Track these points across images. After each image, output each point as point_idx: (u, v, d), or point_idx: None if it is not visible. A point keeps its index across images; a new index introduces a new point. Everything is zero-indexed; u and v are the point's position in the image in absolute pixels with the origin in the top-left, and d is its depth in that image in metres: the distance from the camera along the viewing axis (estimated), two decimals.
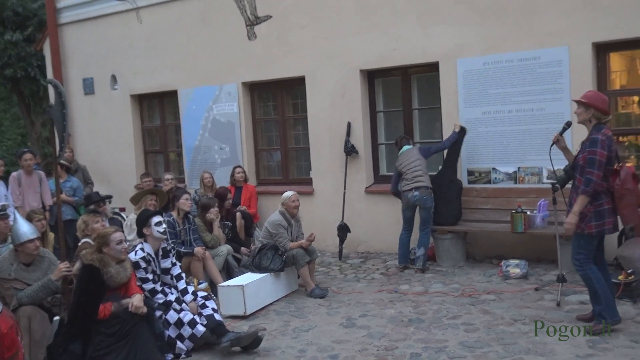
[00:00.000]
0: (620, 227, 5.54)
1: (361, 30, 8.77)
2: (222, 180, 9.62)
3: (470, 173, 8.17)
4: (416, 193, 7.62)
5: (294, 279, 7.33)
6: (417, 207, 7.74)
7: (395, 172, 8.01)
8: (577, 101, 5.21)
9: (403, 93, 8.85)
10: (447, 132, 8.13)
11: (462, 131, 7.92)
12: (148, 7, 10.79)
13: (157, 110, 11.43)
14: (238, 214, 8.53)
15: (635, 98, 7.72)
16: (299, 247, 7.08)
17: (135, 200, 7.90)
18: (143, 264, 5.53)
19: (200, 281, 6.87)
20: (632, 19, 6.98)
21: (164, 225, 5.82)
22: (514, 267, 7.09)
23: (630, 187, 5.00)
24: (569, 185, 5.48)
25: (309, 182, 9.58)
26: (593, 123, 5.09)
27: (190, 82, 10.46)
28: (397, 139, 8.10)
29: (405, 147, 7.89)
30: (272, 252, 7.03)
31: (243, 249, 7.96)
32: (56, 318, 5.18)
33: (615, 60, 7.61)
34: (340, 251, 8.78)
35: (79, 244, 6.21)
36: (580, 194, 4.99)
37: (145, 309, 5.14)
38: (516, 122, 7.77)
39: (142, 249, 5.62)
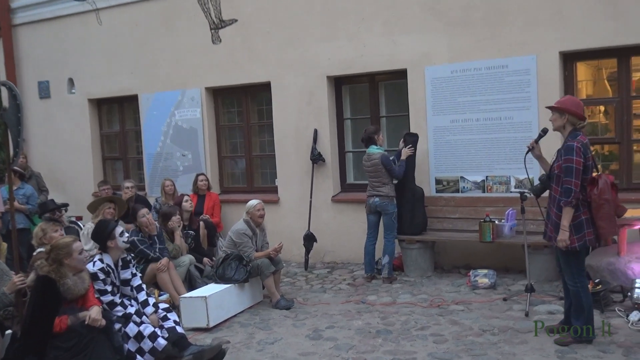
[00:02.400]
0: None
1: (328, 36, 8.80)
2: (185, 188, 9.52)
3: (438, 182, 8.25)
4: (376, 199, 7.69)
5: (259, 289, 7.27)
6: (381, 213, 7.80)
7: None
8: (551, 107, 5.20)
9: (371, 100, 8.90)
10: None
11: (414, 136, 7.98)
12: (108, 9, 10.64)
13: (117, 116, 11.27)
14: (201, 223, 8.44)
15: (602, 108, 7.91)
16: (265, 257, 7.04)
17: (92, 208, 7.75)
18: (102, 276, 5.41)
19: (162, 292, 6.80)
20: (598, 29, 7.16)
21: (127, 234, 5.72)
22: (483, 277, 7.17)
23: (608, 197, 4.92)
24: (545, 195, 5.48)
25: (274, 190, 9.55)
26: (568, 130, 5.05)
27: (152, 87, 10.35)
28: (363, 135, 7.94)
29: (370, 150, 7.85)
30: (236, 262, 6.97)
31: (206, 259, 7.87)
32: (8, 332, 5.03)
33: (582, 70, 7.79)
34: (307, 261, 8.75)
35: (34, 253, 6.05)
36: (564, 205, 4.91)
37: (103, 322, 5.03)
38: (484, 130, 7.88)
39: (101, 260, 5.51)
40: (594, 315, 5.23)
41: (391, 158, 7.85)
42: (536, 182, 5.66)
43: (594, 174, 5.07)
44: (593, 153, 7.67)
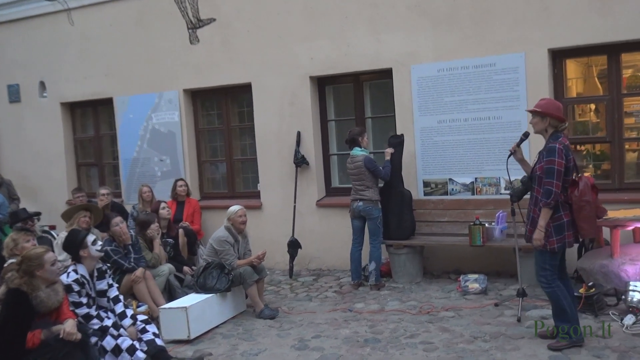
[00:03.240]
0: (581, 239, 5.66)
1: (310, 35, 8.80)
2: (163, 194, 9.47)
3: (426, 184, 8.27)
4: (360, 203, 7.70)
5: (242, 299, 7.24)
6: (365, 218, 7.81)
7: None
8: (531, 111, 5.32)
9: (355, 101, 8.92)
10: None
11: (399, 138, 8.01)
12: (80, 8, 10.57)
13: (91, 120, 11.19)
14: (180, 231, 8.40)
15: (592, 106, 7.97)
16: (248, 265, 7.01)
17: (66, 216, 7.69)
18: (76, 287, 5.36)
19: (140, 303, 6.75)
20: (588, 26, 7.23)
21: (100, 242, 5.67)
22: (473, 282, 7.19)
23: (589, 198, 5.07)
24: (526, 197, 5.56)
25: (257, 195, 9.52)
26: (550, 132, 5.19)
27: (127, 89, 10.29)
28: (348, 136, 7.91)
29: (353, 152, 7.84)
30: (217, 270, 6.94)
31: (186, 268, 7.83)
32: None
33: (572, 68, 7.85)
34: (291, 269, 8.73)
35: (5, 264, 5.98)
36: (543, 206, 5.05)
37: (78, 336, 4.98)
38: (472, 130, 7.92)
39: (75, 271, 5.46)
40: (586, 318, 5.27)
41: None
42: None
43: (575, 176, 5.19)
44: (585, 152, 7.87)
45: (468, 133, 7.95)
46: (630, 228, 6.74)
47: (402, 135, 8.08)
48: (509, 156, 5.58)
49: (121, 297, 5.77)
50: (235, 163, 9.94)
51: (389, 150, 7.90)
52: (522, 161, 5.51)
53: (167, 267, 7.41)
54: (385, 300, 7.23)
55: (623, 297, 6.01)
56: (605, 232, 6.84)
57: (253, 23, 9.20)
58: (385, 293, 7.53)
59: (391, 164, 7.81)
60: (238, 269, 6.96)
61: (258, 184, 9.53)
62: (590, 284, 6.20)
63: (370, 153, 8.02)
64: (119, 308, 5.61)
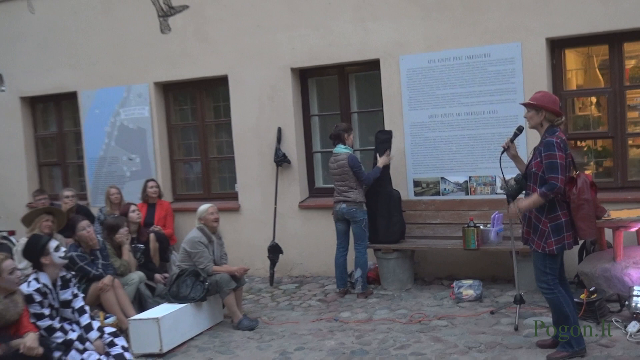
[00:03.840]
0: (581, 240, 5.70)
1: (291, 23, 8.80)
2: (132, 196, 9.42)
3: (416, 184, 8.31)
4: (343, 205, 7.71)
5: (219, 309, 7.24)
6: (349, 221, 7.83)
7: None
8: (526, 104, 5.37)
9: (340, 94, 8.94)
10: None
11: (387, 134, 8.06)
12: None
13: (53, 116, 11.12)
14: (152, 236, 8.35)
15: (593, 99, 8.05)
16: (226, 273, 7.00)
17: (27, 221, 7.63)
18: (38, 297, 5.33)
19: (108, 315, 6.71)
20: (588, 13, 7.29)
21: (64, 248, 5.64)
22: (467, 288, 7.23)
23: (587, 197, 5.11)
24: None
25: (234, 196, 9.52)
26: (545, 127, 5.23)
27: (93, 83, 10.23)
28: (334, 131, 7.94)
29: (336, 150, 7.86)
30: (192, 278, 6.92)
31: (158, 275, 7.80)
32: None
33: (571, 58, 7.92)
34: (272, 275, 8.73)
35: None
36: (540, 195, 5.07)
37: (40, 350, 4.95)
38: (466, 126, 7.96)
39: (37, 280, 5.42)
40: (588, 326, 5.31)
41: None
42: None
43: (573, 173, 5.23)
44: (585, 148, 7.94)
45: (461, 129, 7.99)
46: (634, 229, 6.79)
47: (390, 131, 8.11)
48: (502, 153, 5.60)
49: (87, 307, 5.73)
50: (210, 162, 9.92)
51: (386, 160, 7.92)
52: (515, 158, 5.53)
53: (137, 275, 7.38)
54: (373, 308, 7.25)
55: (627, 303, 6.06)
56: (608, 233, 6.92)
57: (229, 10, 9.19)
58: (373, 301, 7.55)
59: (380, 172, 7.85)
60: (214, 276, 6.95)
61: (236, 184, 9.52)
62: (591, 289, 6.25)
63: (354, 151, 8.02)
64: (85, 320, 5.58)
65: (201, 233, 7.12)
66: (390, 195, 8.02)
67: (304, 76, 9.09)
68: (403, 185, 8.28)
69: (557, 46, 7.66)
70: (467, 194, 8.06)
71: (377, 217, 7.96)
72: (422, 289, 7.91)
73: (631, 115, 7.64)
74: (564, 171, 5.05)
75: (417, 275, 8.23)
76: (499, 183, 7.86)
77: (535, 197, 5.12)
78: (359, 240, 7.78)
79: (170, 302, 6.88)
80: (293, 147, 8.98)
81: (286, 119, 8.98)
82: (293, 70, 8.94)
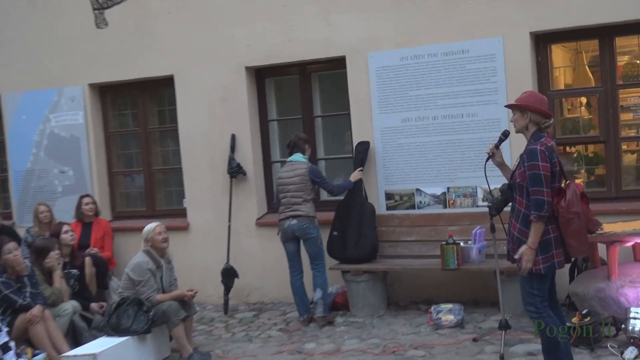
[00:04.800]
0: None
1: (246, 17, 8.81)
2: (65, 214, 9.32)
3: (388, 196, 8.35)
4: (294, 222, 7.73)
5: (166, 342, 7.18)
6: (300, 240, 7.87)
7: (275, 184, 8.08)
8: (510, 106, 5.41)
9: (302, 96, 8.97)
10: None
11: (367, 145, 8.18)
12: None
13: None
14: (87, 259, 8.27)
15: (583, 99, 8.18)
16: (174, 299, 6.95)
17: None
18: None
19: (36, 352, 6.61)
20: (576, 5, 7.42)
21: None
22: (447, 313, 7.26)
23: (577, 210, 5.09)
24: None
25: (183, 213, 9.48)
26: (531, 131, 5.24)
27: (18, 85, 10.12)
28: (293, 138, 8.02)
29: (294, 158, 7.91)
30: (134, 307, 6.85)
31: (94, 305, 7.72)
32: None
33: (558, 54, 8.06)
34: (226, 303, 8.70)
35: None
36: (535, 221, 5.03)
37: None
38: (443, 130, 8.03)
39: None
40: (581, 353, 5.35)
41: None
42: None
43: (563, 184, 5.23)
44: (575, 154, 8.05)
45: (438, 134, 8.06)
46: (630, 244, 6.89)
47: (367, 142, 8.22)
48: (487, 160, 5.62)
49: (12, 343, 5.64)
50: (155, 174, 9.88)
51: (358, 175, 8.03)
52: (502, 166, 5.54)
53: (70, 305, 7.28)
54: (341, 338, 7.25)
55: (623, 326, 6.11)
56: (601, 249, 6.99)
57: (175, 2, 9.18)
58: (342, 330, 7.56)
59: (355, 162, 7.96)
60: (160, 305, 6.88)
61: (184, 199, 9.49)
62: (584, 311, 6.31)
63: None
64: (9, 358, 5.49)
65: (148, 257, 7.05)
66: (363, 207, 8.08)
67: (261, 76, 9.10)
68: (373, 198, 8.32)
69: (543, 41, 7.77)
70: (445, 207, 8.12)
71: (347, 232, 8.00)
72: (396, 314, 7.94)
73: (625, 117, 7.77)
74: (549, 183, 5.03)
75: (390, 300, 8.25)
76: (480, 194, 7.93)
77: (533, 227, 5.05)
78: (315, 260, 7.81)
79: (109, 335, 6.80)
80: (249, 157, 8.97)
81: (241, 124, 8.97)
82: (248, 69, 8.94)
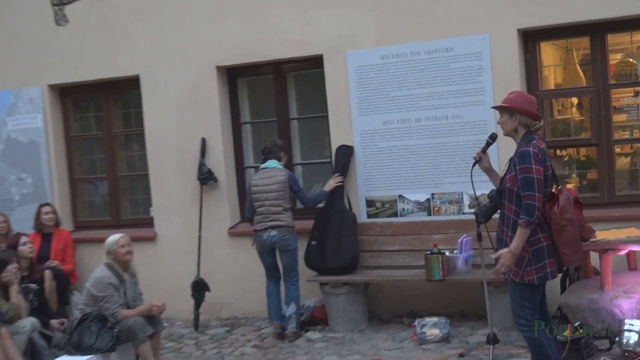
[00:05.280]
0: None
1: (217, 13, 8.81)
2: (23, 224, 9.24)
3: (369, 204, 8.36)
4: (273, 233, 7.76)
5: None
6: (277, 250, 7.91)
7: (248, 193, 8.10)
8: (497, 107, 5.44)
9: (277, 98, 8.97)
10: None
11: (350, 149, 8.21)
12: None
13: None
14: (47, 273, 8.21)
15: (574, 100, 8.25)
16: (140, 314, 6.92)
17: None
18: None
19: None
20: (566, 0, 7.46)
21: None
22: (432, 327, 7.27)
23: (571, 216, 5.13)
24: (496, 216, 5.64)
25: (150, 223, 9.45)
26: (521, 133, 5.27)
27: None
28: (266, 146, 8.08)
29: (270, 164, 7.92)
30: (97, 324, 6.80)
31: (55, 321, 7.66)
32: None
33: (548, 53, 8.12)
34: (196, 318, 8.68)
35: None
36: (523, 226, 5.05)
37: None
38: (427, 133, 8.06)
39: None
40: None
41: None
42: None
43: (555, 189, 5.26)
44: (566, 158, 8.09)
45: (421, 137, 8.09)
46: (624, 252, 6.93)
47: (351, 147, 8.26)
48: (474, 165, 5.63)
49: None
50: (120, 181, 9.85)
51: (335, 183, 8.05)
52: (489, 171, 5.57)
53: (29, 322, 7.22)
54: (320, 354, 7.24)
55: (617, 339, 6.15)
56: (594, 257, 7.04)
57: None
58: (320, 346, 7.55)
59: (336, 166, 8.03)
60: (126, 321, 6.84)
61: (151, 208, 9.46)
62: (577, 324, 6.34)
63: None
64: None
65: (110, 271, 7.00)
66: (343, 214, 8.12)
67: (233, 76, 9.09)
68: (353, 206, 8.33)
69: (531, 38, 7.83)
70: (429, 214, 8.14)
71: (325, 240, 8.02)
72: (378, 329, 7.95)
73: (618, 118, 7.84)
74: (541, 187, 5.05)
75: (371, 313, 8.26)
76: (466, 201, 7.96)
77: (519, 232, 5.07)
78: (290, 272, 7.86)
79: (70, 353, 6.75)
80: (221, 162, 8.96)
81: (212, 127, 8.96)
82: (219, 68, 8.93)
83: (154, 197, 9.37)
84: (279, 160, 7.94)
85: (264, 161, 7.97)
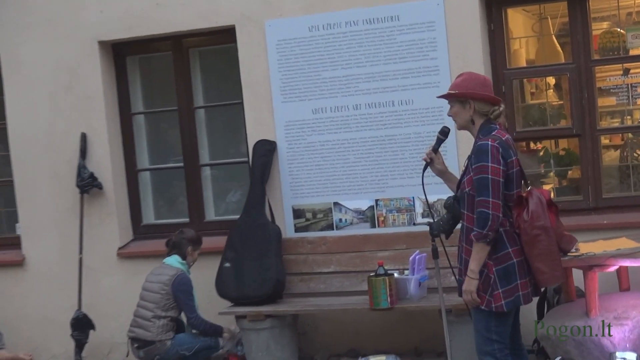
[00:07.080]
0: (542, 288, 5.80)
1: None
2: None
3: (297, 214, 8.35)
4: (141, 354, 7.82)
5: None
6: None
7: None
8: (445, 96, 5.43)
9: (178, 80, 8.94)
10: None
11: (272, 145, 8.21)
12: None
13: None
14: None
15: (550, 80, 8.32)
16: None
17: None
18: None
19: None
20: None
21: None
22: None
23: (544, 223, 5.15)
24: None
25: (16, 243, 9.32)
26: (479, 124, 5.29)
27: None
28: (170, 238, 8.02)
29: (169, 260, 7.86)
30: None
31: None
32: None
33: (517, 21, 8.22)
34: None
35: None
36: (476, 240, 5.07)
37: None
38: (368, 124, 8.07)
39: None
40: None
41: None
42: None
43: (523, 191, 5.29)
44: (542, 152, 8.18)
45: (361, 128, 8.10)
46: (613, 269, 6.98)
47: (274, 142, 8.23)
48: (425, 168, 5.62)
49: None
50: None
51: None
52: (444, 174, 5.59)
53: None
54: None
55: None
56: (577, 276, 7.12)
57: None
58: None
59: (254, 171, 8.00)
60: None
61: (17, 224, 9.34)
62: (558, 359, 6.41)
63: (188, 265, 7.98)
64: None
65: None
66: (265, 229, 8.07)
67: (121, 54, 9.03)
68: (277, 217, 8.31)
69: (496, 4, 7.88)
70: (373, 226, 8.16)
71: (242, 261, 7.98)
72: None
73: (604, 102, 7.93)
74: (499, 191, 5.04)
75: (302, 353, 8.26)
76: (419, 208, 7.98)
77: (474, 248, 5.09)
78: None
79: None
80: (106, 164, 8.87)
81: (94, 120, 8.86)
82: (102, 44, 8.85)
83: (20, 210, 9.23)
84: (184, 257, 7.87)
85: (168, 254, 7.93)
